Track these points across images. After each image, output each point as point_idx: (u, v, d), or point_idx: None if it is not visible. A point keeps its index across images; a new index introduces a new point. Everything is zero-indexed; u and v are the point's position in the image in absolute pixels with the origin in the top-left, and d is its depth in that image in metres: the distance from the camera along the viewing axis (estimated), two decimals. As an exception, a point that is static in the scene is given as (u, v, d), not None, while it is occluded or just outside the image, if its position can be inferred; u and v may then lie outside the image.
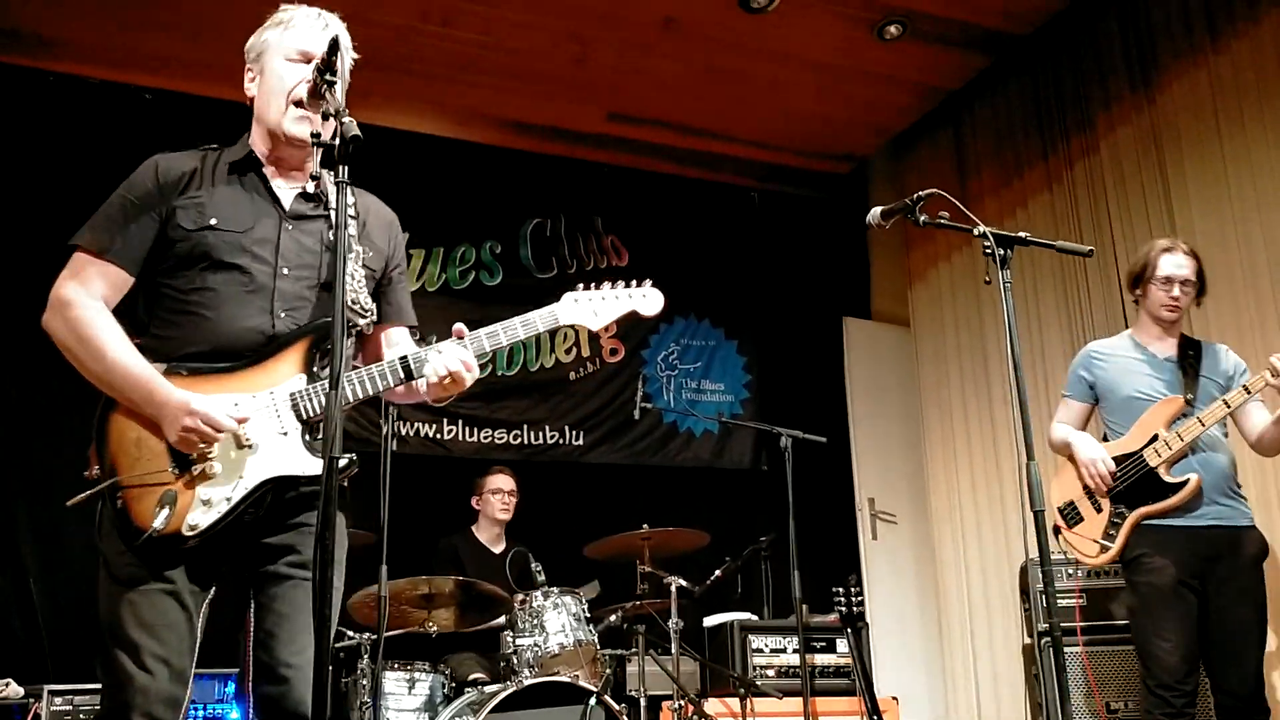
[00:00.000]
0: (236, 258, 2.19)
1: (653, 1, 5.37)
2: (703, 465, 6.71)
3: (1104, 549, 3.60)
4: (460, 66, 5.78)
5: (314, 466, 2.14)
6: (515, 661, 4.10)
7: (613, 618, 4.54)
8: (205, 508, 2.08)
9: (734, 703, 4.63)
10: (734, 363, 6.98)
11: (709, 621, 5.24)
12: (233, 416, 2.09)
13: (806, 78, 6.05)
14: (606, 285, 2.47)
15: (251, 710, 2.14)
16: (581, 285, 2.45)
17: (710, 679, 5.04)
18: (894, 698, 4.96)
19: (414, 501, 5.11)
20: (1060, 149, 5.66)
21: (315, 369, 2.20)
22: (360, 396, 2.21)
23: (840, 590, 4.82)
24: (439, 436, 6.08)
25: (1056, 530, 3.76)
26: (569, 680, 3.94)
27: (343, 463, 1.87)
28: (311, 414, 2.16)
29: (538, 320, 2.35)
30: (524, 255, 6.56)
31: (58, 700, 4.17)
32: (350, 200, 1.93)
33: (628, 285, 2.49)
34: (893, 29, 5.61)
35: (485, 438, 6.19)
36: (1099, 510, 3.65)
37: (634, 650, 4.49)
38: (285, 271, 2.22)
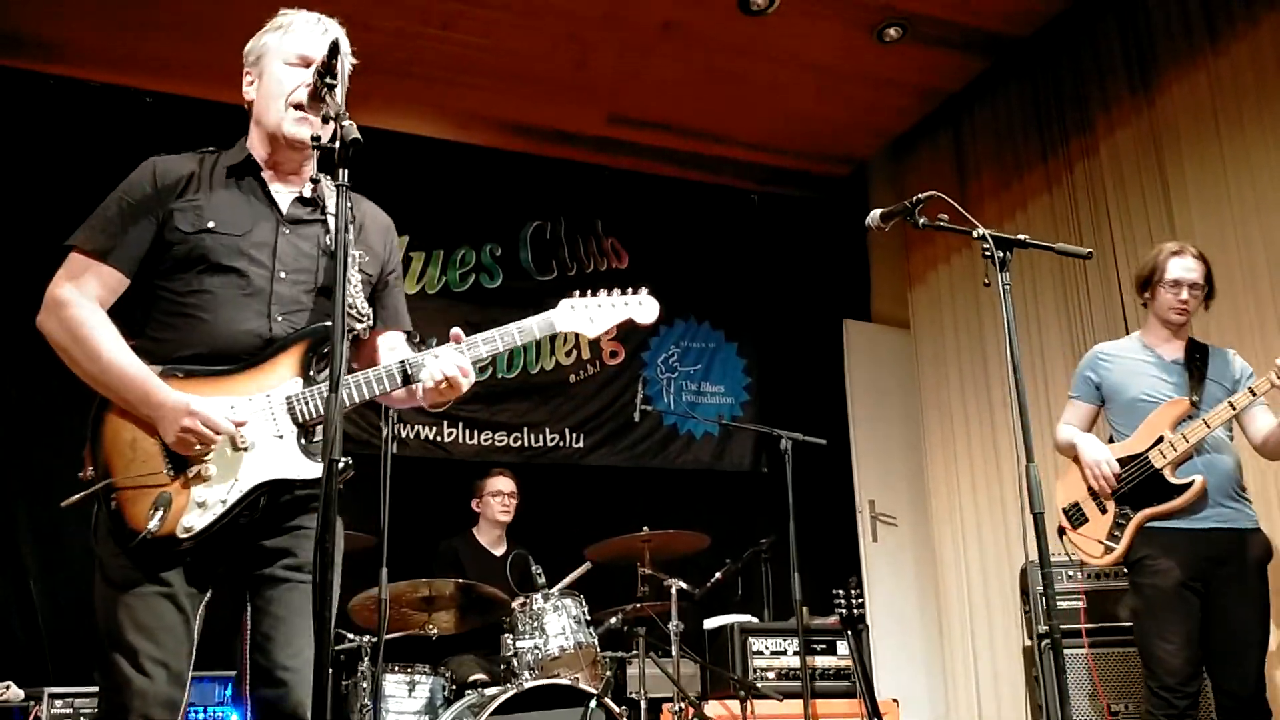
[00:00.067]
0: (234, 261, 2.19)
1: (653, 4, 5.38)
2: (703, 467, 6.71)
3: (1108, 550, 3.60)
4: (460, 69, 5.79)
5: (309, 470, 2.14)
6: (516, 664, 4.10)
7: (613, 620, 4.54)
8: (200, 510, 2.08)
9: (734, 705, 4.63)
10: (734, 365, 6.98)
11: (709, 624, 5.24)
12: (230, 419, 2.10)
13: (806, 80, 6.06)
14: (603, 293, 2.48)
15: (250, 713, 2.13)
16: (578, 292, 2.47)
17: (710, 681, 5.03)
18: (894, 700, 4.95)
19: (414, 504, 5.11)
20: (1060, 151, 5.66)
21: (312, 373, 2.21)
22: (357, 400, 2.21)
23: (840, 592, 4.82)
24: (439, 439, 6.08)
25: (1061, 531, 3.76)
26: (569, 683, 3.94)
27: (339, 466, 1.87)
28: (308, 417, 2.16)
29: (535, 327, 2.36)
30: (524, 258, 6.56)
31: (58, 703, 4.17)
32: (337, 207, 1.93)
33: (624, 293, 2.50)
34: (892, 31, 5.62)
35: (485, 440, 6.19)
36: (1104, 512, 3.65)
37: (634, 652, 4.49)
38: (282, 275, 2.22)
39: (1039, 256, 5.45)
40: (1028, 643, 4.47)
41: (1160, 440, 3.56)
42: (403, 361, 2.24)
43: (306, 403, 2.17)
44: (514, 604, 4.28)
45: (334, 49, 2.04)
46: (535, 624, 4.17)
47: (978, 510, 5.93)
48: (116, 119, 5.53)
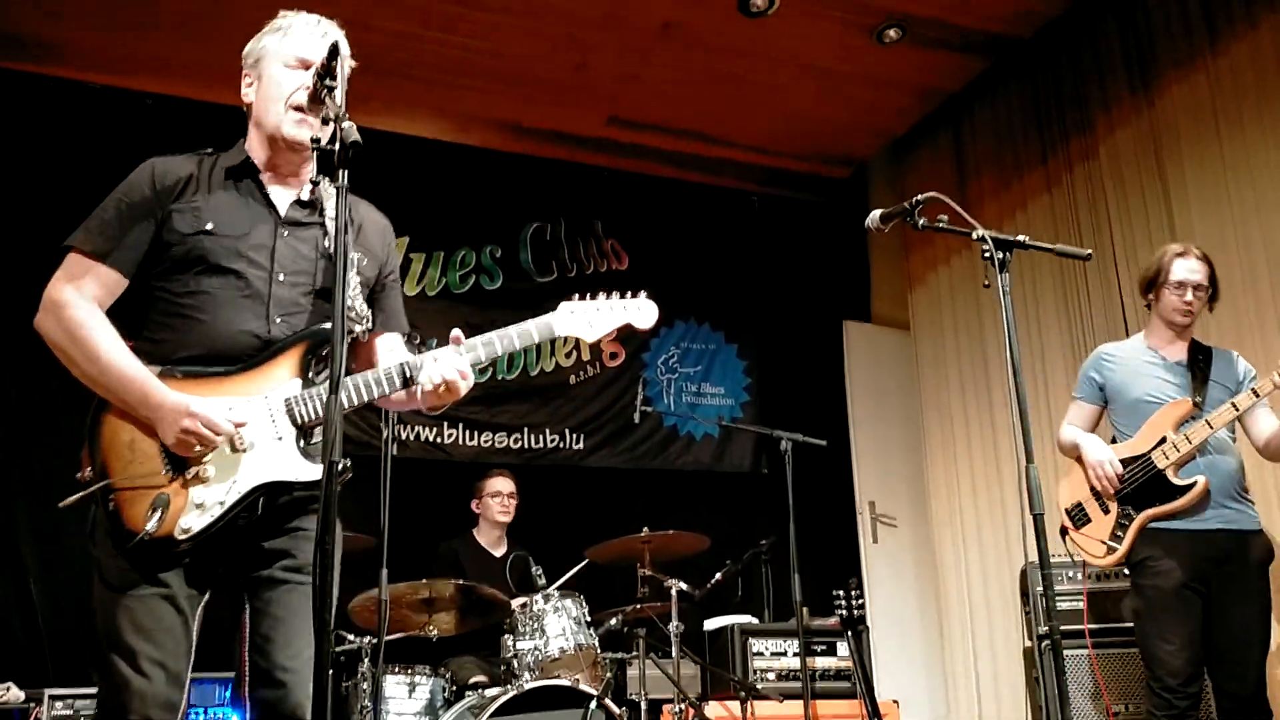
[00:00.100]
0: (232, 262, 2.19)
1: (652, 6, 5.38)
2: (703, 469, 6.71)
3: (1111, 550, 3.61)
4: (461, 71, 5.80)
5: (308, 472, 2.14)
6: (516, 665, 4.10)
7: (613, 621, 4.54)
8: (198, 511, 2.08)
9: (735, 706, 4.63)
10: (734, 366, 6.98)
11: (709, 625, 5.24)
12: (230, 420, 2.10)
13: (806, 82, 6.06)
14: (602, 296, 2.49)
15: (249, 715, 2.13)
16: (577, 296, 2.47)
17: (711, 682, 5.03)
18: (895, 701, 4.95)
19: (414, 505, 5.11)
20: (1060, 152, 5.66)
21: (311, 375, 2.21)
22: (356, 402, 2.22)
23: (841, 593, 4.82)
24: (439, 440, 6.08)
25: (1064, 531, 3.77)
26: (569, 684, 3.94)
27: (338, 468, 1.88)
28: (306, 419, 2.17)
29: (534, 330, 2.37)
30: (524, 259, 6.57)
31: (59, 704, 4.17)
32: (338, 208, 1.93)
33: (623, 297, 2.51)
34: (892, 33, 5.62)
35: (485, 441, 6.19)
36: (1106, 512, 3.66)
37: (634, 654, 4.49)
38: (281, 278, 2.23)
39: (1039, 257, 5.45)
40: (1028, 644, 4.47)
41: (1163, 441, 3.56)
42: (402, 364, 2.24)
43: (305, 405, 2.17)
44: (514, 605, 4.28)
45: (334, 51, 2.04)
46: (535, 625, 4.17)
47: (978, 511, 5.93)
48: (117, 120, 5.54)
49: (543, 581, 4.39)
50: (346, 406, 2.18)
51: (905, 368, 6.75)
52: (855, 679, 4.78)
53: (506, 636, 4.25)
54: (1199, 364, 3.68)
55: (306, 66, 2.25)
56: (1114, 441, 3.74)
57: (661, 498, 6.31)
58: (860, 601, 4.83)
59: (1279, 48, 4.53)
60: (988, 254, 2.66)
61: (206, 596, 2.15)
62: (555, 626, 4.17)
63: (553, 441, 6.36)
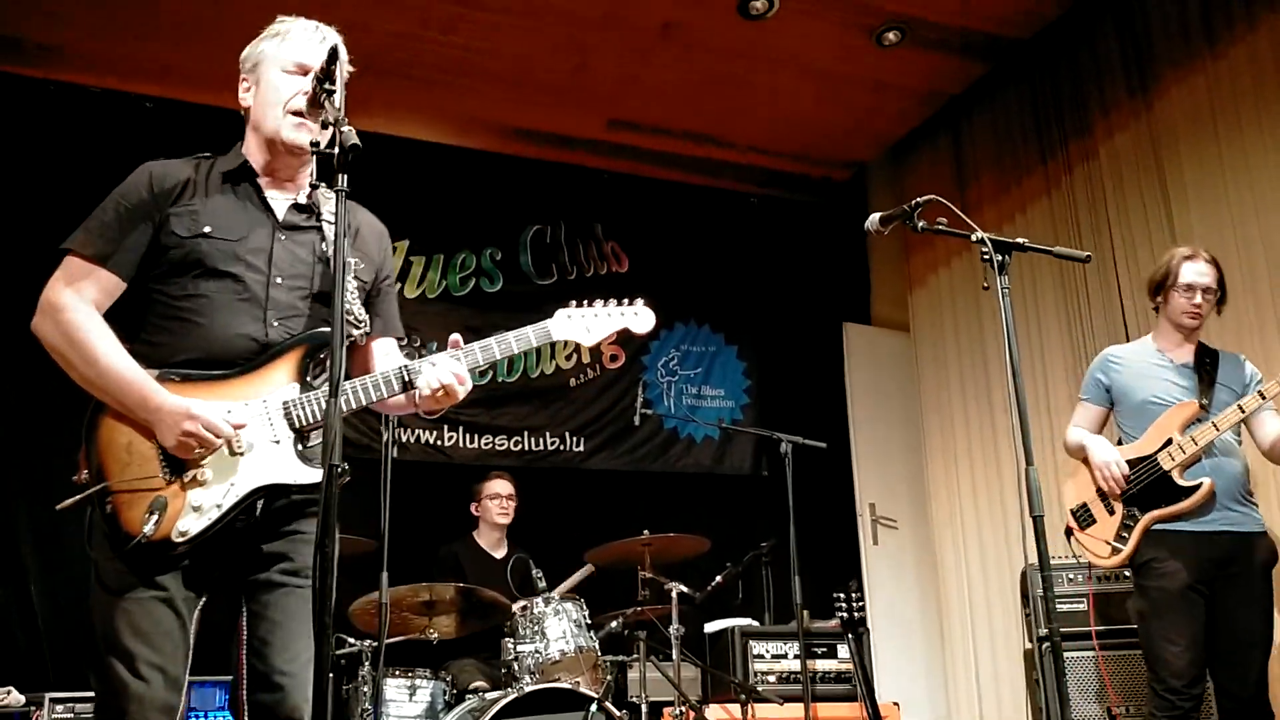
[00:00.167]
0: (230, 266, 2.19)
1: (652, 8, 5.38)
2: (703, 471, 6.72)
3: (1115, 551, 3.62)
4: (460, 73, 5.80)
5: (305, 475, 2.15)
6: (516, 668, 4.10)
7: (614, 624, 4.54)
8: (196, 514, 2.08)
9: (735, 709, 4.63)
10: (734, 368, 6.98)
11: (710, 627, 5.24)
12: (230, 422, 2.10)
13: (805, 84, 6.07)
14: (599, 302, 2.51)
15: (246, 718, 2.13)
16: (574, 302, 2.49)
17: (711, 685, 5.03)
18: (895, 703, 4.95)
19: (415, 508, 5.11)
20: (1059, 155, 5.67)
21: (309, 378, 2.22)
22: (354, 406, 2.22)
23: (841, 595, 4.81)
24: (439, 443, 6.09)
25: (1069, 532, 3.78)
26: (570, 687, 3.94)
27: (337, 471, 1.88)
28: (304, 422, 2.17)
29: (531, 335, 2.39)
30: (524, 262, 6.57)
31: (59, 708, 4.17)
32: (337, 211, 1.94)
33: (620, 303, 2.53)
34: (891, 35, 5.62)
35: (486, 444, 6.19)
36: (1112, 513, 3.66)
37: (635, 656, 4.49)
38: (279, 281, 2.23)
39: (1039, 260, 5.42)
40: (1028, 645, 4.47)
41: (1169, 443, 3.57)
42: (402, 367, 2.25)
43: (303, 408, 2.17)
44: (514, 608, 4.28)
45: (333, 54, 2.04)
46: (536, 628, 4.17)
47: (978, 513, 5.93)
48: (117, 124, 5.54)
49: (543, 584, 4.39)
50: (345, 410, 2.18)
51: (905, 370, 6.75)
52: (856, 681, 4.77)
53: (507, 639, 4.25)
54: (1206, 366, 3.69)
55: (305, 72, 2.26)
56: (1120, 443, 3.75)
57: (662, 500, 6.31)
58: (861, 604, 4.82)
59: (1277, 49, 4.53)
60: (987, 256, 2.67)
61: (204, 599, 2.15)
62: (556, 629, 4.17)
63: (553, 444, 6.36)
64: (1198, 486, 3.49)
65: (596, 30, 5.52)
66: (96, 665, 2.06)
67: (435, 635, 4.30)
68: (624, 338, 2.55)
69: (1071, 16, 5.57)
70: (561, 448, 6.37)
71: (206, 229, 2.20)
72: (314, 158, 2.29)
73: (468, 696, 4.18)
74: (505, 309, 6.24)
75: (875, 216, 2.90)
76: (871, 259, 7.35)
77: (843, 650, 4.95)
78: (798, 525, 4.40)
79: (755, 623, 5.22)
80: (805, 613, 4.51)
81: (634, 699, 4.50)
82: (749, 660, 4.92)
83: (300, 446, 2.17)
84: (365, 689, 4.05)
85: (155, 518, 2.04)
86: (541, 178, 6.67)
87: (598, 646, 4.27)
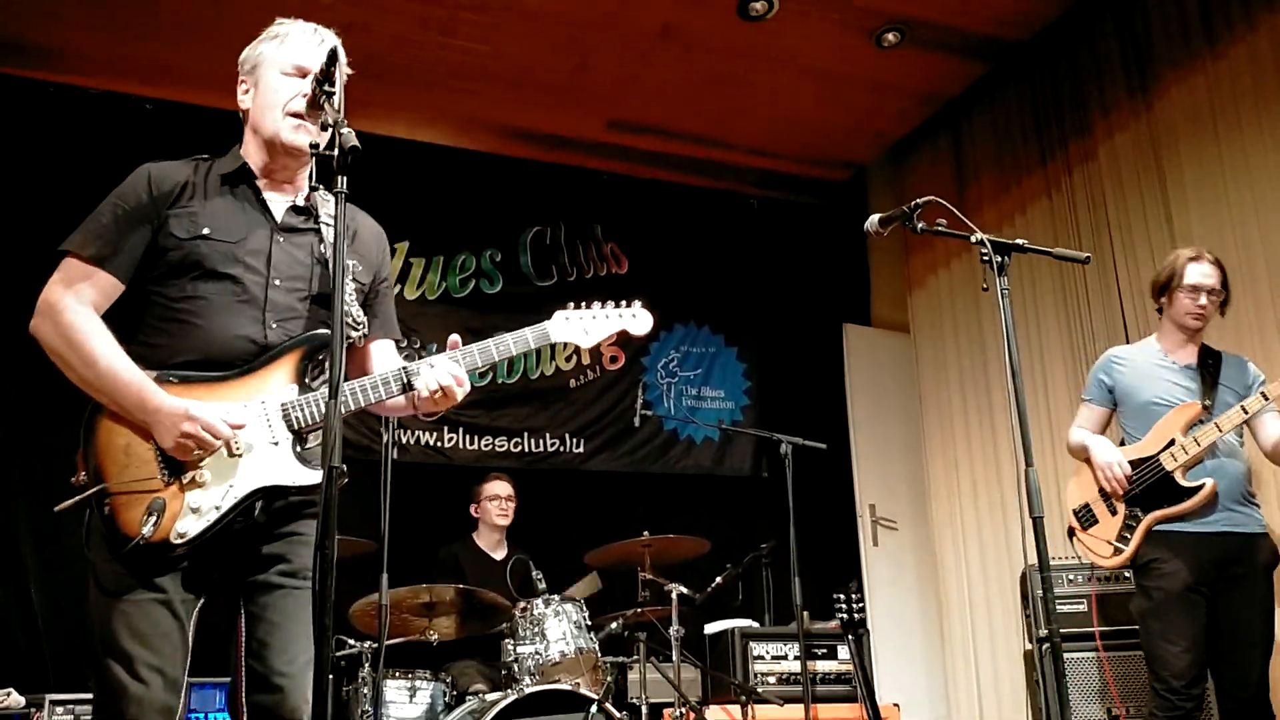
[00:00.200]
0: (229, 267, 2.20)
1: (652, 10, 5.39)
2: (703, 472, 6.71)
3: (1118, 551, 3.63)
4: (460, 75, 5.80)
5: (304, 476, 2.15)
6: (516, 669, 4.10)
7: (614, 625, 4.54)
8: (194, 516, 2.08)
9: (735, 710, 4.63)
10: (734, 369, 6.98)
11: (710, 629, 5.24)
12: (228, 423, 2.10)
13: (805, 85, 6.07)
14: (597, 305, 2.52)
15: (245, 720, 2.13)
16: (572, 304, 2.50)
17: (711, 686, 5.03)
18: (895, 704, 4.95)
19: (415, 510, 5.11)
20: (1059, 155, 5.67)
21: (307, 380, 2.22)
22: (353, 407, 2.22)
23: (841, 596, 4.81)
24: (439, 444, 6.08)
25: (1071, 532, 3.80)
26: (570, 688, 3.94)
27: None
28: (303, 424, 2.17)
29: (529, 337, 2.40)
30: (524, 263, 6.57)
31: (59, 710, 4.17)
32: (337, 213, 1.94)
33: (618, 305, 2.54)
34: (891, 36, 5.62)
35: (486, 446, 6.19)
36: (1114, 513, 3.67)
37: (635, 658, 4.49)
38: (277, 283, 2.23)
39: (1038, 261, 5.45)
40: (1028, 646, 4.47)
41: (1171, 443, 3.58)
42: (402, 368, 2.25)
43: (302, 409, 2.17)
44: (514, 609, 4.28)
45: (332, 56, 2.04)
46: (536, 629, 4.17)
47: (978, 514, 5.93)
48: (116, 125, 5.54)
49: (543, 585, 4.39)
50: (344, 412, 2.18)
51: (905, 370, 6.75)
52: (856, 682, 4.77)
53: (507, 641, 4.25)
54: (1209, 368, 3.70)
55: (303, 74, 2.26)
56: (1122, 444, 3.76)
57: (662, 501, 6.31)
58: (861, 605, 4.82)
59: (1277, 50, 4.53)
60: (986, 257, 2.67)
61: (202, 601, 2.15)
62: (556, 631, 4.17)
63: (553, 445, 6.36)
64: (1200, 487, 3.50)
65: (596, 31, 5.52)
66: (95, 667, 2.05)
67: (435, 637, 4.30)
68: (623, 339, 2.56)
69: (1071, 17, 5.57)
70: (561, 449, 6.37)
71: (205, 231, 2.21)
72: (313, 159, 2.30)
73: (468, 698, 4.18)
74: (505, 310, 6.24)
75: (875, 218, 2.91)
76: (871, 260, 7.35)
77: (843, 651, 4.95)
78: (798, 526, 4.40)
79: (755, 624, 5.22)
80: (805, 614, 4.51)
81: (634, 700, 4.50)
82: (749, 661, 4.92)
83: (299, 448, 2.17)
84: (365, 690, 4.05)
85: (153, 519, 2.04)
86: (541, 179, 6.68)
87: (598, 648, 4.27)
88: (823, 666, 4.94)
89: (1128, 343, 4.64)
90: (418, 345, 5.94)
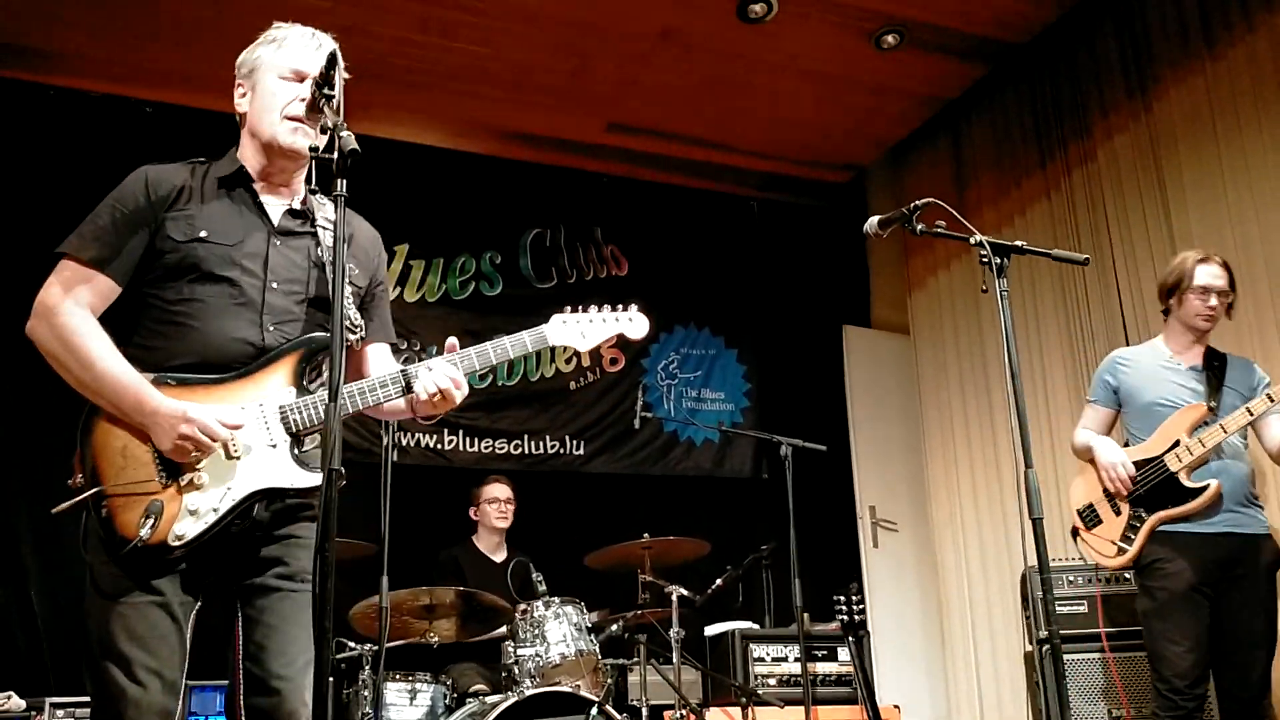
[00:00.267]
0: (226, 270, 2.20)
1: (651, 12, 5.39)
2: (703, 474, 6.71)
3: (1121, 551, 3.64)
4: (460, 77, 5.80)
5: (302, 479, 2.15)
6: (517, 672, 4.10)
7: (614, 627, 4.54)
8: (192, 518, 2.08)
9: (736, 712, 4.63)
10: (734, 371, 6.98)
11: (710, 630, 5.24)
12: (225, 424, 2.10)
13: (805, 87, 6.07)
14: (594, 308, 2.54)
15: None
16: (570, 308, 2.52)
17: (712, 688, 5.03)
18: (896, 706, 4.95)
19: (415, 512, 5.11)
20: (1058, 157, 5.67)
21: (305, 383, 2.22)
22: (350, 410, 2.23)
23: (841, 598, 4.81)
24: (439, 447, 6.08)
25: (1074, 532, 3.81)
26: (570, 690, 3.94)
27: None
28: (301, 427, 2.17)
29: (527, 340, 2.41)
30: (524, 265, 6.57)
31: (59, 713, 4.18)
32: (336, 216, 1.94)
33: (615, 309, 2.56)
34: (890, 38, 5.62)
35: (486, 448, 6.19)
36: (1118, 513, 3.69)
37: (635, 660, 4.49)
38: (274, 286, 2.23)
39: (1038, 262, 5.43)
40: (1029, 648, 4.47)
41: (1176, 444, 3.59)
42: (401, 371, 2.26)
43: (300, 412, 2.17)
44: (515, 611, 4.28)
45: (332, 59, 2.04)
46: (536, 631, 4.17)
47: (979, 515, 5.93)
48: (117, 128, 5.55)
49: (543, 587, 4.39)
50: (343, 415, 2.18)
51: (905, 372, 6.75)
52: (856, 684, 4.77)
53: (507, 643, 4.25)
54: (1214, 369, 3.71)
55: (301, 78, 2.26)
56: (1127, 445, 3.77)
57: (662, 503, 6.31)
58: (861, 606, 4.82)
59: (1275, 51, 4.54)
60: (985, 259, 2.67)
61: (200, 603, 2.15)
62: (556, 633, 4.17)
63: (553, 447, 6.36)
64: (1205, 488, 3.51)
65: (596, 34, 5.52)
66: (93, 670, 2.05)
67: (435, 639, 4.30)
68: (621, 342, 2.58)
69: (1070, 18, 5.57)
70: (561, 451, 6.37)
71: (202, 234, 2.21)
72: (311, 162, 2.30)
73: (468, 700, 4.18)
74: (505, 312, 6.24)
75: (874, 219, 2.91)
76: (871, 262, 7.35)
77: (843, 653, 4.95)
78: (798, 528, 4.40)
79: (756, 626, 5.22)
80: (805, 615, 4.51)
81: (634, 702, 4.50)
82: (749, 663, 4.92)
83: (297, 451, 2.17)
84: (365, 693, 4.05)
85: (151, 522, 2.04)
86: (541, 181, 6.68)
87: (598, 650, 4.27)
88: (823, 668, 4.94)
89: (1127, 343, 4.65)
90: (418, 348, 5.95)
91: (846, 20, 5.48)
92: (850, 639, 4.79)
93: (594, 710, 3.89)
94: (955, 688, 5.98)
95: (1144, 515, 3.61)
